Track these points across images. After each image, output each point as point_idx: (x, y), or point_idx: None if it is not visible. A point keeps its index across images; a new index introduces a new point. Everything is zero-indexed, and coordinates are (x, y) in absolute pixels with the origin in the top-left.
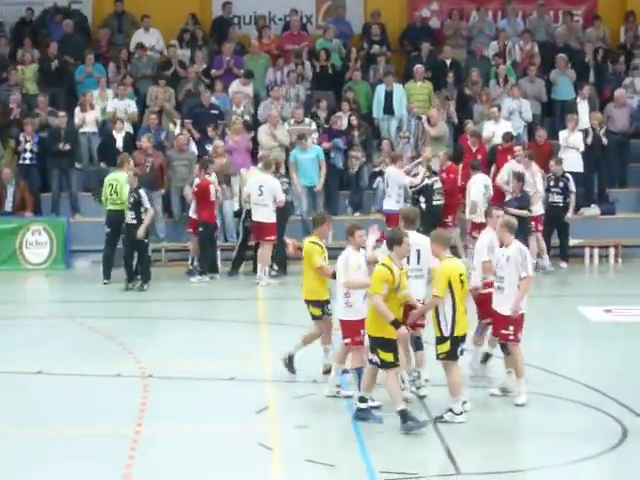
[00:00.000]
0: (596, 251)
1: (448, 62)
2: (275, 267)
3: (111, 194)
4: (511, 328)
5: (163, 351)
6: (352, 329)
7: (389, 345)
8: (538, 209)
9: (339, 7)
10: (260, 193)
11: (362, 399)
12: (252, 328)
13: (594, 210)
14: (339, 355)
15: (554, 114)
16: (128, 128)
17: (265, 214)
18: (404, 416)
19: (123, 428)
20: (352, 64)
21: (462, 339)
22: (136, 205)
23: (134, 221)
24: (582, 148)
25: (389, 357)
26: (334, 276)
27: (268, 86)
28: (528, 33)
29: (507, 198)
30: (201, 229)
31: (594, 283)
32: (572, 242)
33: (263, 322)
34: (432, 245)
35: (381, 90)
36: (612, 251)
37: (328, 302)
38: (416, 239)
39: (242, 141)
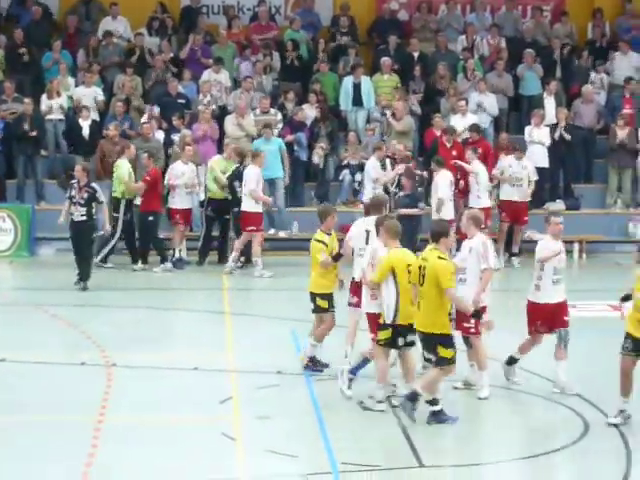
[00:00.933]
0: None
1: (416, 55)
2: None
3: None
4: (472, 321)
5: (127, 340)
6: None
7: (450, 341)
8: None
9: None
10: (240, 183)
11: (434, 401)
12: (217, 318)
13: (559, 205)
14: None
15: (521, 109)
16: (94, 116)
17: (245, 204)
18: (415, 399)
19: (86, 417)
20: (320, 55)
21: (407, 329)
22: (89, 201)
23: (83, 218)
24: (548, 143)
25: (449, 353)
26: (335, 259)
27: (237, 76)
28: (496, 27)
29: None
30: (151, 218)
31: None
32: (536, 237)
33: (228, 312)
34: (383, 234)
35: (349, 82)
36: (576, 246)
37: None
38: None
39: (210, 130)
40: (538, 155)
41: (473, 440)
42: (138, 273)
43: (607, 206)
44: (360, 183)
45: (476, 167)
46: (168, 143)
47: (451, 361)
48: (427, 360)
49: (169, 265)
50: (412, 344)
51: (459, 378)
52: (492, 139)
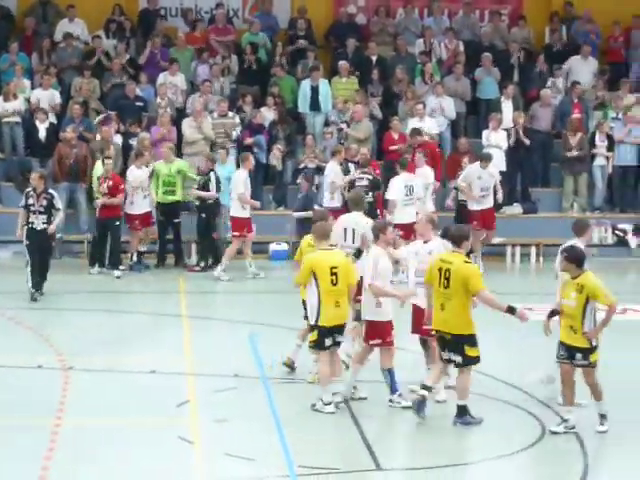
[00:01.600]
0: (518, 249)
1: (374, 59)
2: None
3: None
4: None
5: (84, 343)
6: (382, 330)
7: (475, 340)
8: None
9: (266, 1)
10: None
11: (463, 409)
12: (175, 321)
13: (516, 209)
14: (360, 355)
15: (479, 113)
16: (52, 118)
17: (233, 209)
18: (465, 411)
19: (43, 420)
20: (277, 59)
21: (332, 330)
22: (48, 208)
23: (45, 225)
24: (505, 147)
25: (476, 352)
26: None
27: (195, 79)
28: (453, 31)
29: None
30: (117, 223)
31: (515, 281)
32: (494, 240)
33: (185, 315)
34: (312, 235)
35: (306, 85)
36: (533, 250)
37: None
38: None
39: (168, 133)
40: (496, 159)
41: (430, 443)
42: (95, 277)
43: (564, 210)
44: (318, 187)
45: (424, 172)
46: (127, 147)
47: (477, 360)
48: (447, 361)
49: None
50: (338, 344)
51: (416, 381)
52: (449, 143)
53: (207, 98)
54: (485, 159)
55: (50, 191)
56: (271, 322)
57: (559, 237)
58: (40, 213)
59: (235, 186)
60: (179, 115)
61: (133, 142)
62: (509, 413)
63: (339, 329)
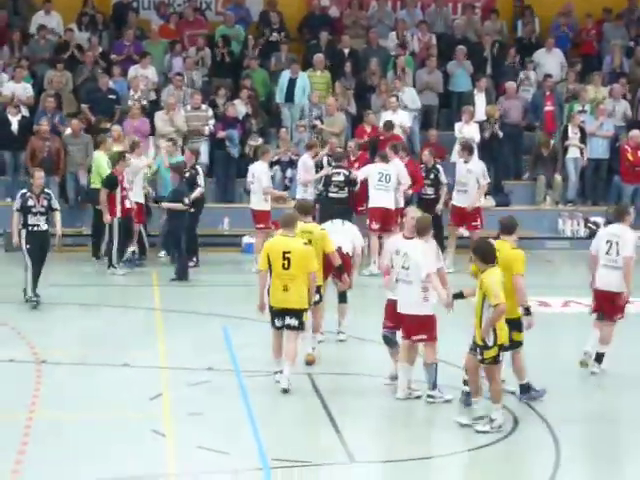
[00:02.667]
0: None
1: (346, 52)
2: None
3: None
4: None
5: (57, 336)
6: (428, 324)
7: (521, 324)
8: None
9: None
10: (252, 181)
11: (525, 388)
12: (148, 314)
13: (489, 202)
14: (408, 355)
15: (451, 105)
16: (24, 111)
17: (255, 202)
18: (527, 389)
19: (15, 415)
20: (250, 51)
21: (282, 312)
22: (48, 208)
23: (47, 226)
24: (477, 140)
25: (522, 336)
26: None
27: (168, 72)
28: (425, 24)
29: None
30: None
31: None
32: (466, 233)
33: (158, 309)
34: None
35: (285, 77)
36: None
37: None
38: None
39: (141, 126)
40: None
41: (404, 436)
42: (67, 269)
43: (537, 202)
44: (291, 180)
45: (394, 165)
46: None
47: (521, 343)
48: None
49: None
50: (290, 327)
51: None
52: (417, 136)
53: (181, 91)
54: (465, 150)
55: (47, 191)
56: (245, 315)
57: (532, 230)
58: (41, 214)
59: (258, 179)
60: (152, 108)
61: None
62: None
63: (290, 312)
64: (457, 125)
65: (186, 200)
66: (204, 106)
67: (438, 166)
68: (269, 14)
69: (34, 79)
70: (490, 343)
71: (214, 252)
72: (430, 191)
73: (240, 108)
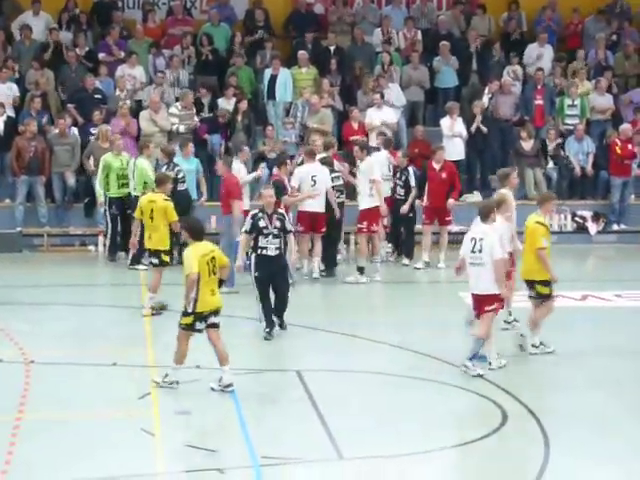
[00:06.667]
0: None
1: (332, 49)
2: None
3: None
4: None
5: (45, 337)
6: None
7: (548, 283)
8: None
9: None
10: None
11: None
12: (134, 313)
13: (476, 197)
14: (485, 329)
15: (437, 101)
16: (9, 112)
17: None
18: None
19: (4, 415)
20: (236, 49)
21: (204, 316)
22: None
23: None
24: (465, 135)
25: (546, 290)
26: None
27: (151, 71)
28: (411, 20)
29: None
30: None
31: None
32: (455, 228)
33: (146, 307)
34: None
35: (267, 75)
36: None
37: None
38: None
39: (128, 126)
40: (456, 147)
41: (392, 431)
42: (54, 270)
43: (524, 197)
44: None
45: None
46: (85, 139)
47: (547, 296)
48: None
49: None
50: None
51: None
52: (404, 131)
53: (163, 89)
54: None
55: None
56: (231, 313)
57: (519, 225)
58: None
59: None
60: (139, 107)
61: (94, 131)
62: (470, 400)
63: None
64: (444, 121)
65: None
66: (192, 106)
67: (410, 169)
68: (254, 12)
69: (20, 79)
70: (189, 310)
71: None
72: (401, 192)
73: (225, 106)
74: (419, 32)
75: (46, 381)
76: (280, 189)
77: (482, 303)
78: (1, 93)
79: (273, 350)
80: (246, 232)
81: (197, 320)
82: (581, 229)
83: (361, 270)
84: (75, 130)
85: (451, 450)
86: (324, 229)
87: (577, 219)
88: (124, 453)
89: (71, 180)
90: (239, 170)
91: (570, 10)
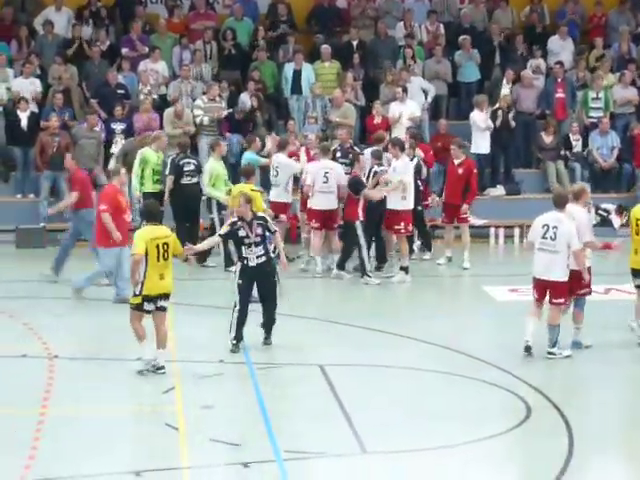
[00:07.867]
0: (501, 231)
1: (355, 43)
2: None
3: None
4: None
5: (69, 332)
6: (567, 290)
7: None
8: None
9: None
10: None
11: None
12: None
13: (499, 190)
14: (536, 312)
15: (459, 95)
16: (33, 107)
17: (274, 194)
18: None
19: (28, 410)
20: (259, 44)
21: (155, 298)
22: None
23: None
24: (491, 128)
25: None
26: None
27: (175, 66)
28: (434, 14)
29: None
30: None
31: (499, 263)
32: (478, 222)
33: (170, 302)
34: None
35: (289, 69)
36: (517, 231)
37: None
38: None
39: (151, 121)
40: (481, 141)
41: (415, 426)
42: (78, 265)
43: (547, 190)
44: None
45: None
46: (108, 134)
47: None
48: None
49: None
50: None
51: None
52: (427, 125)
53: (189, 83)
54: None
55: None
56: (256, 308)
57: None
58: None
59: (283, 170)
60: (163, 102)
61: (116, 126)
62: (494, 394)
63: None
64: (479, 115)
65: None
66: (218, 98)
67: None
68: (277, 6)
69: (43, 75)
70: (137, 292)
71: None
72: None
73: (246, 101)
74: (441, 25)
75: (70, 376)
76: (360, 184)
77: (553, 290)
78: (24, 89)
79: (295, 344)
80: (220, 236)
81: (145, 301)
82: (605, 222)
83: (406, 270)
84: (101, 125)
85: (475, 444)
86: (336, 225)
87: (601, 212)
88: (148, 447)
89: (102, 178)
90: (286, 163)
91: (593, 3)
